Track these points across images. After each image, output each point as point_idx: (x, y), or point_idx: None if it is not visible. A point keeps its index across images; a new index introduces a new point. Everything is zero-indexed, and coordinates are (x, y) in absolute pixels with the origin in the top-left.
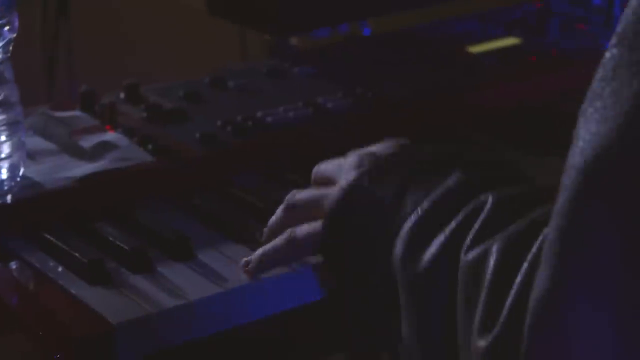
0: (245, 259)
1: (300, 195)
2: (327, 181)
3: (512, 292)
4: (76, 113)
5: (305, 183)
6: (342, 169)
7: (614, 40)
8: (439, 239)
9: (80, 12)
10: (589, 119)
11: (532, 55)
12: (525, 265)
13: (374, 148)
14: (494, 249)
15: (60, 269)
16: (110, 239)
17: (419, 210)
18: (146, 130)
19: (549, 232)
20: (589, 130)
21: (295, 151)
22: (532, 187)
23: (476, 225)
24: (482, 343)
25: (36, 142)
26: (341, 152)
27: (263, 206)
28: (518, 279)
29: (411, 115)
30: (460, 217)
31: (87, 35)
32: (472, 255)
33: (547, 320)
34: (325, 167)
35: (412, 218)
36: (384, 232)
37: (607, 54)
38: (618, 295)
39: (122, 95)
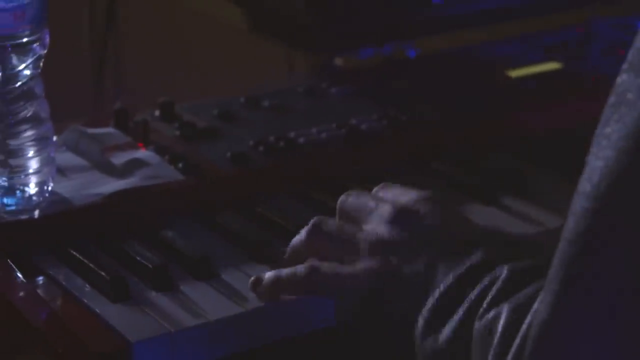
0: (253, 278)
1: (327, 224)
2: (353, 219)
3: (517, 340)
4: (109, 130)
5: (332, 204)
6: (371, 213)
7: (624, 66)
8: (458, 314)
9: (131, 24)
10: (599, 145)
11: (573, 80)
12: (529, 317)
13: (406, 199)
14: (504, 309)
15: (83, 285)
16: (134, 256)
17: (442, 287)
18: (178, 148)
19: (554, 257)
20: (597, 156)
21: (326, 173)
22: (548, 259)
23: (490, 294)
24: None
25: (68, 158)
26: (372, 175)
27: (289, 227)
28: (523, 327)
29: (444, 139)
30: (477, 290)
31: (138, 48)
32: (484, 319)
33: (547, 346)
34: (352, 203)
35: (435, 294)
36: (411, 310)
37: (618, 80)
38: (619, 326)
39: (156, 112)
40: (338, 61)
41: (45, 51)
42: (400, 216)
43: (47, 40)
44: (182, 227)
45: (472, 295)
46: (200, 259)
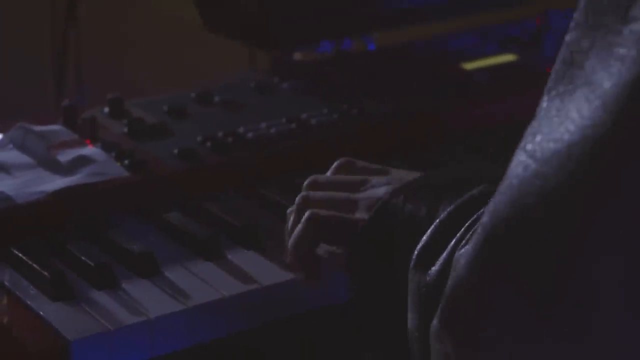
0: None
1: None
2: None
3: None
4: (55, 127)
5: (283, 201)
6: (362, 184)
7: (572, 24)
8: (448, 248)
9: (90, 21)
10: (552, 101)
11: (527, 71)
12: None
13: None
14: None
15: (26, 284)
16: (77, 254)
17: (442, 216)
18: (125, 145)
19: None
20: (549, 113)
21: (275, 168)
22: None
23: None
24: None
25: (14, 155)
26: (323, 170)
27: (236, 224)
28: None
29: (396, 133)
30: (468, 223)
31: (96, 43)
32: (464, 247)
33: (461, 303)
34: (340, 179)
35: (433, 225)
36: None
37: (567, 37)
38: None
39: (106, 109)
40: (297, 56)
41: None
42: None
43: None
44: (128, 225)
45: (463, 228)
46: (142, 255)
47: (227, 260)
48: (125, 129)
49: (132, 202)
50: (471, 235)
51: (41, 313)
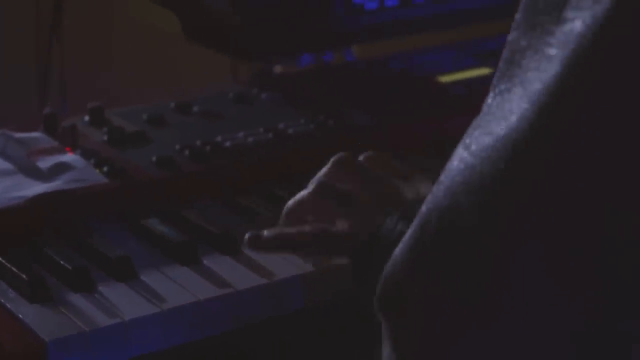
0: (250, 234)
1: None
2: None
3: None
4: (36, 134)
5: (260, 209)
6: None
7: (513, 24)
8: None
9: (74, 30)
10: (495, 99)
11: None
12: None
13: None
14: None
15: (5, 287)
16: (55, 257)
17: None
18: (105, 152)
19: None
20: (492, 112)
21: (253, 177)
22: None
23: None
24: None
25: None
26: (298, 178)
27: (213, 230)
28: None
29: (371, 144)
30: None
31: (79, 52)
32: None
33: (394, 284)
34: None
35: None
36: None
37: (509, 37)
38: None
39: (86, 118)
40: (277, 69)
41: None
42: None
43: None
44: (105, 230)
45: None
46: (119, 259)
47: (203, 265)
48: (105, 137)
49: (111, 208)
50: None
51: (18, 315)
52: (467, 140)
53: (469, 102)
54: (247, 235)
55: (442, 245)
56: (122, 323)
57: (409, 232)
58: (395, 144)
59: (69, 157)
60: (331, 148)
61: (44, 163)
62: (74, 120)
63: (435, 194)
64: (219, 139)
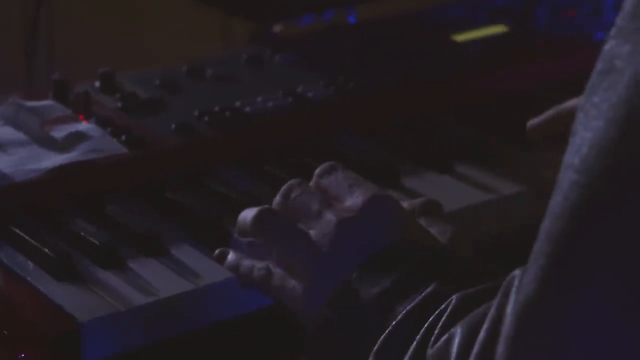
0: (217, 252)
1: (273, 220)
2: (299, 218)
3: (475, 349)
4: (49, 102)
5: (283, 175)
6: (316, 219)
7: (612, 31)
8: (411, 345)
9: None
10: (587, 115)
11: (519, 42)
12: (483, 333)
13: (352, 209)
14: (458, 330)
15: (28, 264)
16: (81, 233)
17: (400, 316)
18: (121, 120)
19: (539, 233)
20: (585, 126)
21: (275, 142)
22: (498, 282)
23: (441, 322)
24: None
25: (6, 132)
26: (321, 143)
27: (239, 199)
28: (481, 336)
29: (392, 105)
30: (430, 320)
31: (69, 20)
32: (438, 343)
33: (533, 325)
34: (295, 203)
35: (389, 325)
36: (364, 339)
37: (606, 46)
38: (612, 307)
39: (97, 84)
40: (277, 29)
41: None
42: (345, 232)
43: None
44: (128, 202)
45: (424, 327)
46: (150, 236)
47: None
48: (119, 104)
49: (133, 178)
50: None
51: (47, 294)
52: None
53: (486, 60)
54: (216, 251)
55: None
56: (158, 301)
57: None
58: (415, 106)
59: (84, 125)
60: (353, 110)
61: (59, 133)
62: (83, 86)
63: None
64: (237, 104)
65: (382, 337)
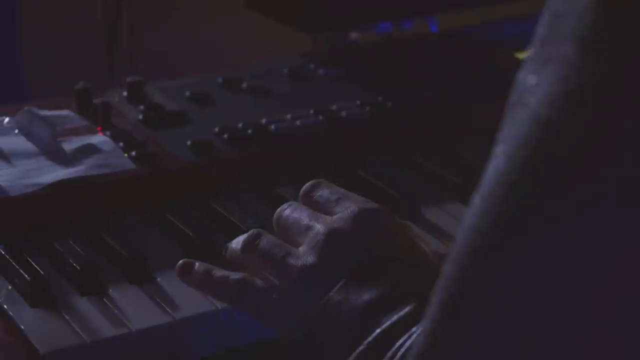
0: (182, 262)
1: (262, 241)
2: (289, 237)
3: None
4: (65, 112)
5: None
6: (305, 232)
7: (525, 59)
8: None
9: None
10: (494, 152)
11: None
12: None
13: (341, 221)
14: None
15: (6, 285)
16: (64, 255)
17: (375, 333)
18: (137, 133)
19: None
20: (490, 164)
21: (297, 165)
22: None
23: (407, 344)
24: None
25: (17, 142)
26: (344, 168)
27: (244, 227)
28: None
29: (430, 130)
30: (397, 345)
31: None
32: None
33: None
34: (287, 218)
35: (365, 341)
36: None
37: (519, 74)
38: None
39: (124, 93)
40: (354, 35)
41: None
42: (334, 243)
43: None
44: (128, 223)
45: (393, 347)
46: (133, 260)
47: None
48: (140, 116)
49: (135, 197)
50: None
51: (16, 319)
52: None
53: None
54: (180, 262)
55: None
56: (128, 334)
57: None
58: (455, 131)
59: (97, 138)
60: (387, 133)
61: (69, 145)
62: (113, 95)
63: None
64: (263, 121)
65: (354, 354)
